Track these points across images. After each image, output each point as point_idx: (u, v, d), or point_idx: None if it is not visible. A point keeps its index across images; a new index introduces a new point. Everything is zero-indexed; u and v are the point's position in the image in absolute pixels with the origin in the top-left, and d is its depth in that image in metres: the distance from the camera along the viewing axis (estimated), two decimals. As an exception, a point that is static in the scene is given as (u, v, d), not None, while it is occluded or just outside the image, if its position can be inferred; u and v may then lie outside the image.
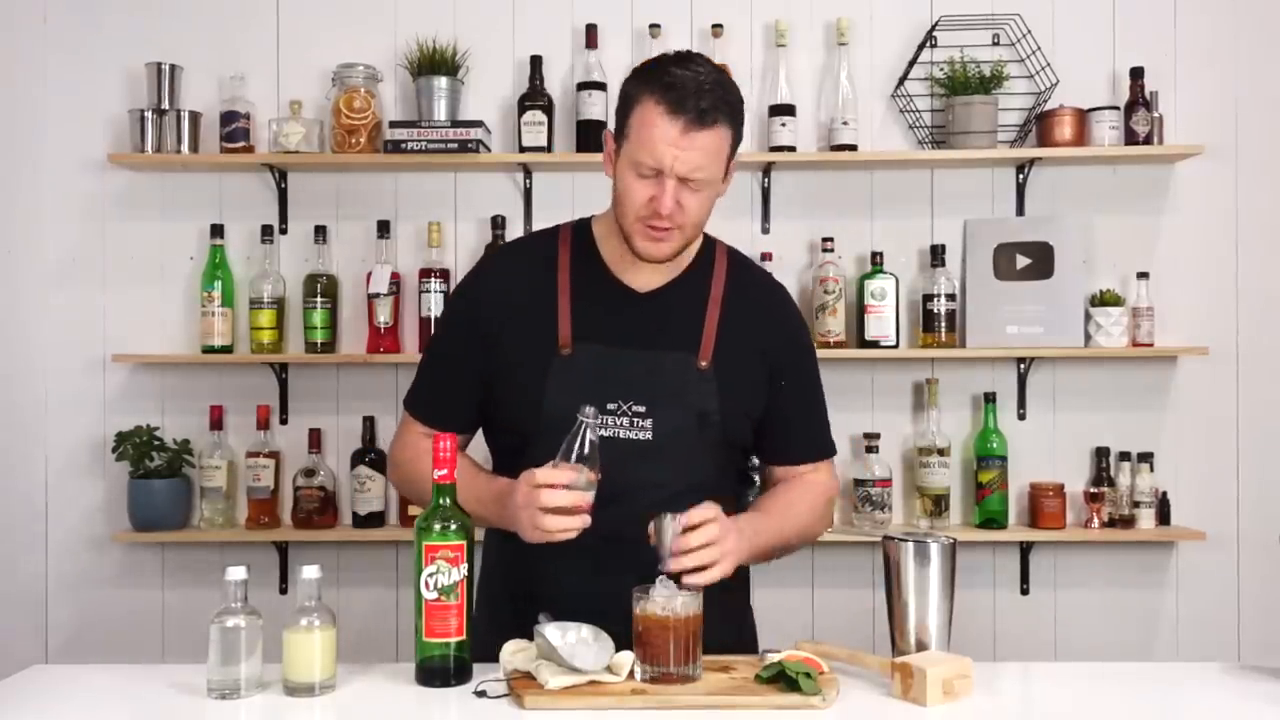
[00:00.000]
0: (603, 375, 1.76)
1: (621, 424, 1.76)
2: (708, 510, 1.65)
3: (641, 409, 1.76)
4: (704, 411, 1.79)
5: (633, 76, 1.76)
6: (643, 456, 1.75)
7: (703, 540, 1.63)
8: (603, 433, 1.68)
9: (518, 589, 1.80)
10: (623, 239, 1.78)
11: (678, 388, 1.78)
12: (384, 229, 3.09)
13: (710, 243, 1.90)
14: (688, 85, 1.67)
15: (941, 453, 3.07)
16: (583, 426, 1.62)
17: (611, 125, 1.80)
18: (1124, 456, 3.08)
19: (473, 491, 1.74)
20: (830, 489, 1.96)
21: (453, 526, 1.60)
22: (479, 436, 1.95)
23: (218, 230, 3.09)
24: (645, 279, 1.83)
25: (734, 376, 1.81)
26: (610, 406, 1.75)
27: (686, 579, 1.61)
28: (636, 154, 1.70)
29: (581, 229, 1.89)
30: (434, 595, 1.58)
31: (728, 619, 1.84)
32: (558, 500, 1.60)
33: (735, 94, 1.74)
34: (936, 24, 3.13)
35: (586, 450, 1.61)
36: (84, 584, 3.14)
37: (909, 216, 3.18)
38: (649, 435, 1.76)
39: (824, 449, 1.96)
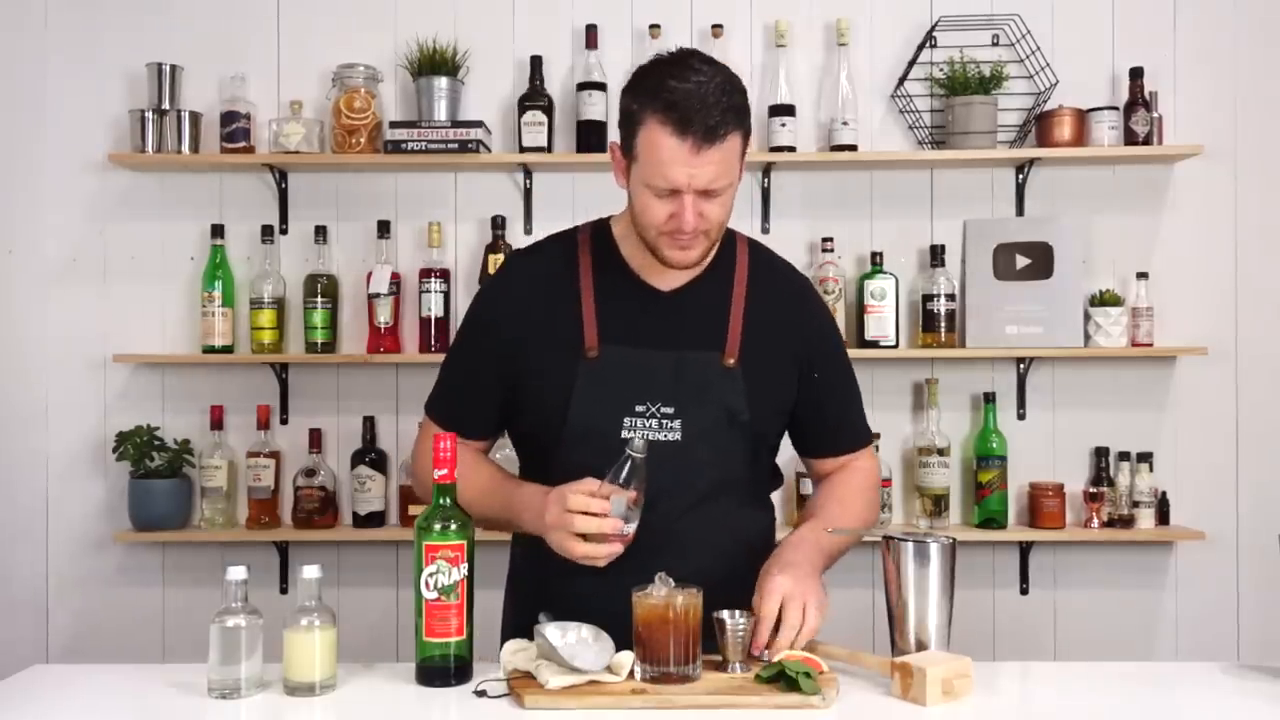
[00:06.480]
0: (630, 377, 1.75)
1: (650, 426, 1.74)
2: (771, 600, 1.64)
3: (670, 410, 1.74)
4: (732, 410, 1.77)
5: (631, 91, 1.69)
6: (672, 458, 1.72)
7: (793, 625, 1.62)
8: (628, 434, 1.66)
9: (543, 592, 1.78)
10: (645, 246, 1.75)
11: (705, 387, 1.76)
12: (384, 229, 3.10)
13: (730, 235, 1.86)
14: (691, 101, 1.60)
15: (941, 453, 3.07)
16: (628, 460, 1.60)
17: (615, 136, 1.74)
18: (1123, 456, 3.08)
19: (498, 498, 1.74)
20: (874, 474, 1.96)
21: (453, 526, 1.59)
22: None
23: (218, 230, 3.09)
24: (668, 278, 1.79)
25: (762, 372, 1.79)
26: (638, 409, 1.74)
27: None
28: (649, 177, 1.65)
29: (600, 230, 1.85)
30: (434, 595, 1.58)
31: None
32: (589, 527, 1.60)
33: (740, 93, 1.67)
34: (936, 24, 3.13)
35: (631, 479, 1.61)
36: (84, 584, 3.14)
37: (909, 216, 3.18)
38: (678, 436, 1.74)
39: (863, 436, 1.95)
